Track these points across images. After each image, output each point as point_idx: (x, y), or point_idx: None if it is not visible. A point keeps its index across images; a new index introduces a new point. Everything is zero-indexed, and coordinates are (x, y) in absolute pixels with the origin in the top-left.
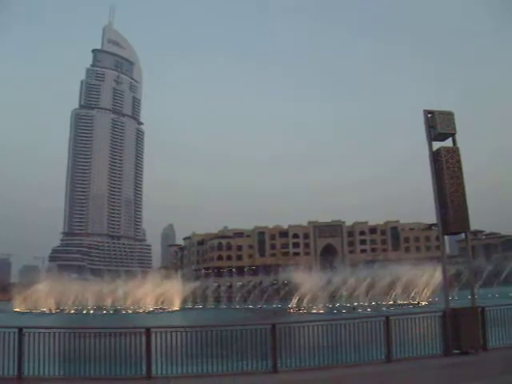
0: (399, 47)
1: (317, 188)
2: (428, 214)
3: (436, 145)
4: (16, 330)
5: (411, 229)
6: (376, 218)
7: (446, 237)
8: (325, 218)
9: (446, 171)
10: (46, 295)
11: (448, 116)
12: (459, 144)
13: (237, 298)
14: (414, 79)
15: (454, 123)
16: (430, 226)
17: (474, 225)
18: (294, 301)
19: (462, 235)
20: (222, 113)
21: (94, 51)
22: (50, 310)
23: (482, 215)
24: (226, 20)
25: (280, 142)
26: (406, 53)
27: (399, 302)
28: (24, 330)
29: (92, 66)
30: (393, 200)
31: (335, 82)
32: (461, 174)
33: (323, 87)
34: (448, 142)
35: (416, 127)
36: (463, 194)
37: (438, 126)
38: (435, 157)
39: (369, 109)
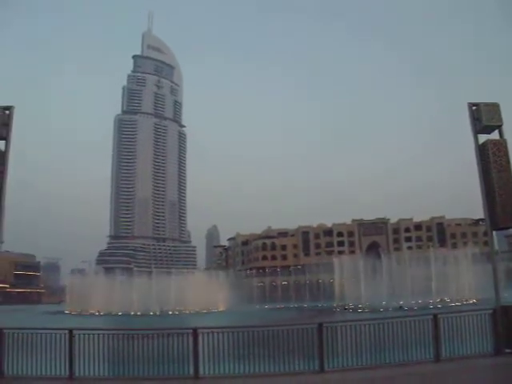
0: (399, 47)
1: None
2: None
3: (481, 138)
4: (67, 332)
5: (458, 224)
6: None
7: (494, 232)
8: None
9: (494, 165)
10: (94, 297)
11: (494, 107)
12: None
13: (282, 298)
14: (413, 79)
15: (499, 115)
16: (477, 221)
17: None
18: (340, 299)
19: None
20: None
21: (135, 57)
22: (99, 311)
23: None
24: (225, 20)
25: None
26: (406, 53)
27: (446, 299)
28: (74, 331)
29: (133, 71)
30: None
31: (335, 81)
32: (509, 167)
33: (322, 87)
34: (494, 135)
35: (415, 126)
36: None
37: (484, 118)
38: (481, 150)
39: (368, 108)
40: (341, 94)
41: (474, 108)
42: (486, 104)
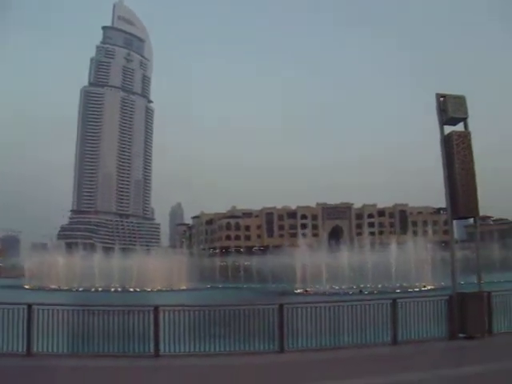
0: (399, 47)
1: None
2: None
3: (447, 129)
4: (25, 307)
5: (419, 212)
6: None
7: (454, 221)
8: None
9: (457, 156)
10: (54, 272)
11: (460, 100)
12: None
13: (244, 278)
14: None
15: (465, 107)
16: (438, 210)
17: (483, 210)
18: (301, 281)
19: (470, 220)
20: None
21: (104, 28)
22: (59, 287)
23: (491, 200)
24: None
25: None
26: (407, 53)
27: (405, 284)
28: (33, 306)
29: (102, 43)
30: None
31: (334, 81)
32: (471, 158)
33: (319, 83)
34: (459, 127)
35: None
36: (473, 179)
37: (450, 109)
38: (446, 141)
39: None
40: (340, 93)
41: (441, 99)
42: (453, 96)
